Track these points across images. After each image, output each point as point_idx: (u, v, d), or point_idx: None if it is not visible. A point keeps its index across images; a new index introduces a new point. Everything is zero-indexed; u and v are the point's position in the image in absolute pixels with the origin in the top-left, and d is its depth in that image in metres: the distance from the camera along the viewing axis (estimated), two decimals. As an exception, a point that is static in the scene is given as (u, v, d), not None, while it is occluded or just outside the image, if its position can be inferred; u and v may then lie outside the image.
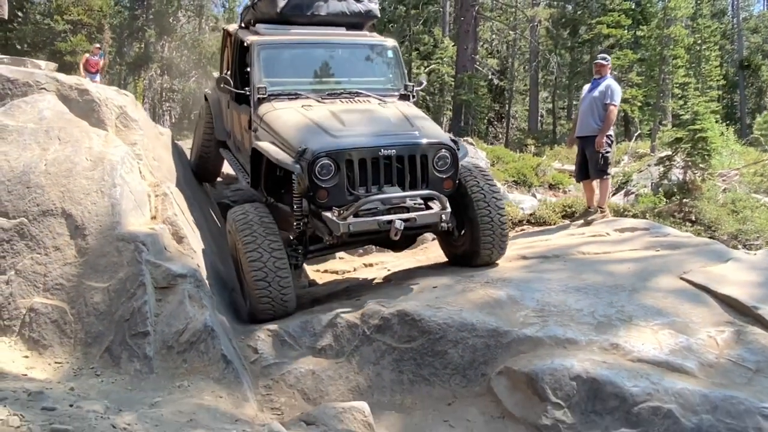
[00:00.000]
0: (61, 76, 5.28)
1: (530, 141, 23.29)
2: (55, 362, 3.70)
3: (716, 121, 18.57)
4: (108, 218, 4.14)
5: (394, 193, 4.24)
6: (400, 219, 4.02)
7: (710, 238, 6.89)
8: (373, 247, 6.93)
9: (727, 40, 29.92)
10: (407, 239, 5.04)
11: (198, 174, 6.81)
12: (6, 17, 6.67)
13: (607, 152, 6.31)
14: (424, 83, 6.03)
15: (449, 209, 4.26)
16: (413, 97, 5.38)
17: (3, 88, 4.92)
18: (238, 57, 5.65)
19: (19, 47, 21.34)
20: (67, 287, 3.93)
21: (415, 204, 4.25)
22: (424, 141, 4.41)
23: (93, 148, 4.48)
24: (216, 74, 6.89)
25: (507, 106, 28.50)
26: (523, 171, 12.99)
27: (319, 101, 4.87)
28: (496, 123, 28.49)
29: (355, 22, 5.78)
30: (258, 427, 3.13)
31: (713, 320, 3.81)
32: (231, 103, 5.71)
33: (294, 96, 4.97)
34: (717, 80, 23.04)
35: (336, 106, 4.82)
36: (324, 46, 5.48)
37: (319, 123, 4.47)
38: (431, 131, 4.68)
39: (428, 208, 4.28)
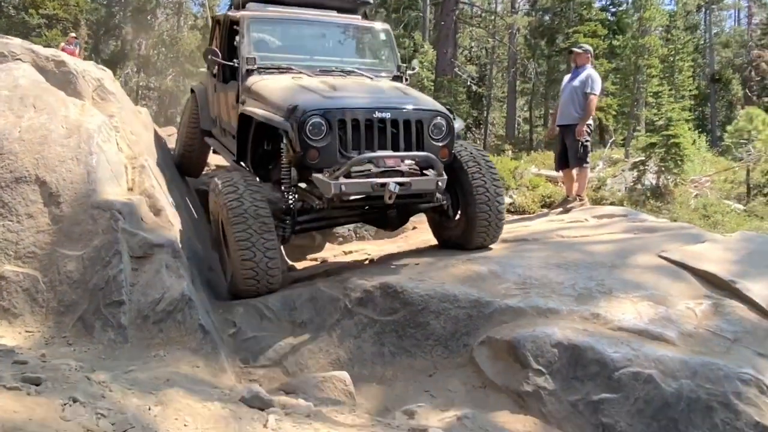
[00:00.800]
0: (37, 47, 5.21)
1: (507, 147, 23.54)
2: (26, 331, 3.59)
3: (689, 129, 19.08)
4: (83, 186, 4.05)
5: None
6: (395, 182, 3.83)
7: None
8: (353, 234, 6.92)
9: (699, 54, 30.64)
10: (401, 216, 4.92)
11: (182, 168, 6.62)
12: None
13: (587, 141, 6.39)
14: (417, 69, 6.00)
15: (445, 176, 4.11)
16: (406, 80, 5.27)
17: (-25, 57, 4.83)
18: (227, 37, 5.50)
19: (-14, 37, 20.84)
20: (40, 255, 3.83)
21: (410, 169, 4.08)
22: (420, 106, 4.30)
23: (69, 117, 4.39)
24: (202, 69, 6.98)
25: (485, 112, 28.76)
26: (501, 173, 13.10)
27: (309, 76, 4.74)
28: (474, 129, 28.70)
29: (348, 7, 5.70)
30: (237, 391, 3.08)
31: (691, 293, 3.87)
32: (218, 85, 5.60)
33: (284, 70, 4.84)
34: (690, 90, 23.58)
35: (328, 78, 4.70)
36: (316, 24, 5.41)
37: (309, 87, 4.36)
38: (427, 100, 4.63)
39: (424, 175, 4.15)
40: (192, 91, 6.69)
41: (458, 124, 4.54)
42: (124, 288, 3.76)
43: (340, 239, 6.98)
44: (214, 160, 7.15)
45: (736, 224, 15.24)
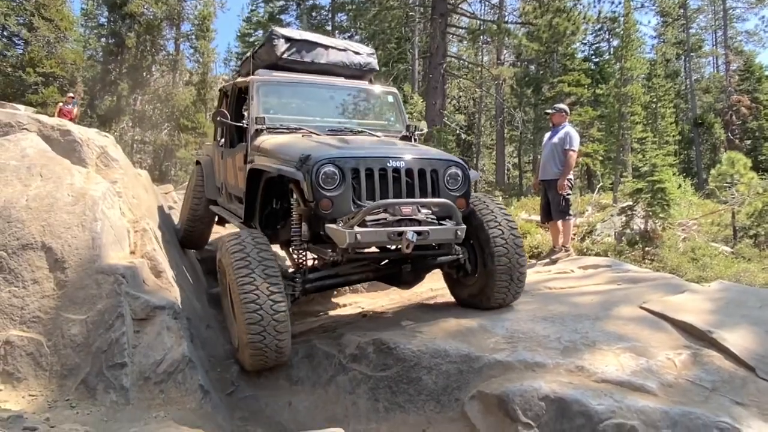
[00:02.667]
0: (43, 117, 5.39)
1: (498, 193, 23.81)
2: (29, 395, 3.66)
3: (673, 174, 19.45)
4: (88, 251, 4.17)
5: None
6: (413, 230, 3.59)
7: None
8: (347, 288, 7.00)
9: (682, 100, 31.45)
10: (416, 272, 4.59)
11: (185, 241, 6.45)
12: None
13: (568, 194, 6.61)
14: (425, 130, 6.06)
15: (464, 226, 3.88)
16: (415, 139, 5.24)
17: (-15, 128, 5.01)
18: (235, 104, 5.54)
19: (-13, 99, 21.15)
20: (45, 320, 3.92)
21: (427, 218, 3.81)
22: (433, 156, 4.14)
23: (75, 185, 4.53)
24: (207, 142, 6.77)
25: (474, 159, 29.19)
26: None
27: (319, 134, 4.66)
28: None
29: (355, 74, 5.67)
30: None
31: (671, 344, 3.88)
32: (225, 151, 5.59)
33: (293, 130, 4.77)
34: (673, 136, 24.13)
35: (338, 135, 4.67)
36: (324, 87, 5.38)
37: (320, 141, 4.29)
38: (438, 151, 4.51)
39: (441, 225, 3.89)
40: (197, 162, 6.68)
41: (473, 174, 4.34)
42: (126, 350, 3.83)
43: (334, 292, 7.06)
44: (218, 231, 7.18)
45: (724, 266, 15.37)
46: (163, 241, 5.10)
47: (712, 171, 20.97)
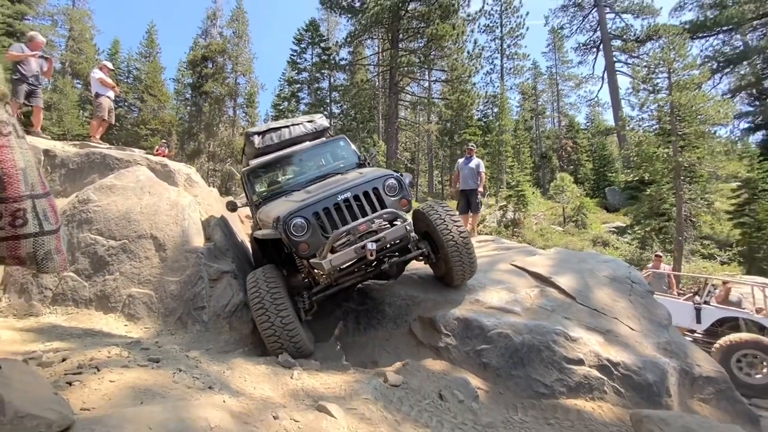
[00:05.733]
0: (150, 156, 5.18)
1: (429, 198, 24.02)
2: (144, 328, 3.57)
3: (530, 186, 19.93)
4: (180, 239, 4.06)
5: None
6: (371, 241, 3.01)
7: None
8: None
9: (534, 143, 32.01)
10: (399, 267, 3.83)
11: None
12: (113, 123, 6.49)
13: (480, 199, 6.66)
14: (375, 153, 5.21)
15: (410, 220, 3.28)
16: (369, 163, 4.40)
17: (113, 163, 4.81)
18: (244, 184, 4.46)
19: (115, 145, 20.31)
20: (153, 281, 3.82)
21: (381, 227, 3.16)
22: (371, 178, 3.35)
23: (170, 197, 4.39)
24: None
25: (415, 179, 29.27)
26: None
27: (298, 191, 3.79)
28: (410, 189, 29.08)
29: (316, 135, 4.81)
30: (275, 358, 3.07)
31: (528, 285, 3.92)
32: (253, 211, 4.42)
33: (281, 193, 3.99)
34: (529, 164, 24.66)
35: (310, 186, 3.77)
36: (293, 153, 4.50)
37: (290, 200, 3.54)
38: (377, 171, 3.59)
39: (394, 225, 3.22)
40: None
41: (407, 178, 3.59)
42: (204, 298, 3.76)
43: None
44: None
45: (558, 239, 15.91)
46: (226, 232, 4.98)
47: (552, 184, 21.63)
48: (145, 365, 2.13)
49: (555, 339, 3.19)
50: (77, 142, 5.55)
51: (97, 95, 6.40)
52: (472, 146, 6.93)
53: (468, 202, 6.65)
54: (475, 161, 6.68)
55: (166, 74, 29.71)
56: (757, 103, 22.71)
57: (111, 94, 6.52)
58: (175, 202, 4.35)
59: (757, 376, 5.39)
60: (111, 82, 6.54)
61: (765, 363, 5.40)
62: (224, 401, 1.89)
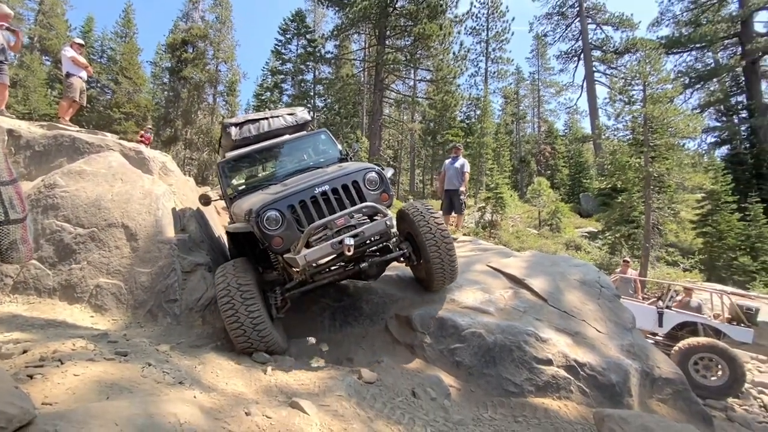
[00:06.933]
0: (124, 142, 4.96)
1: (410, 196, 24.16)
2: (112, 320, 3.44)
3: (508, 189, 20.35)
4: (153, 229, 3.92)
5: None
6: (349, 236, 2.79)
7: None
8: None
9: (514, 147, 32.63)
10: (379, 267, 3.53)
11: None
12: (84, 104, 6.20)
13: (463, 199, 6.52)
14: (358, 148, 4.93)
15: (391, 215, 3.03)
16: (350, 158, 4.18)
17: (84, 147, 4.58)
18: (220, 176, 4.21)
19: (86, 128, 19.36)
20: (123, 272, 3.68)
21: (360, 221, 3.00)
22: (351, 171, 3.11)
23: (144, 186, 4.23)
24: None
25: (398, 177, 29.33)
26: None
27: (275, 184, 3.58)
28: (392, 186, 29.09)
29: (297, 129, 4.52)
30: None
31: (502, 286, 3.96)
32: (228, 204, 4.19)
33: (257, 187, 3.77)
34: (508, 167, 25.15)
35: (288, 180, 3.57)
36: (271, 146, 4.22)
37: (265, 192, 3.33)
38: (357, 164, 3.35)
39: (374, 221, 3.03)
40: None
41: (389, 172, 3.38)
42: (177, 291, 3.66)
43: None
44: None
45: (533, 242, 16.34)
46: (201, 223, 4.86)
47: (529, 187, 22.17)
48: (112, 359, 2.08)
49: (526, 339, 3.25)
50: (44, 123, 5.25)
51: (69, 75, 6.10)
52: (459, 146, 6.85)
53: (451, 202, 6.58)
54: (461, 161, 6.60)
55: (143, 56, 28.59)
56: (724, 119, 23.95)
57: (84, 74, 6.22)
58: (148, 191, 4.19)
59: (712, 378, 5.69)
60: (84, 61, 6.24)
61: (720, 366, 5.69)
62: (195, 397, 1.87)
